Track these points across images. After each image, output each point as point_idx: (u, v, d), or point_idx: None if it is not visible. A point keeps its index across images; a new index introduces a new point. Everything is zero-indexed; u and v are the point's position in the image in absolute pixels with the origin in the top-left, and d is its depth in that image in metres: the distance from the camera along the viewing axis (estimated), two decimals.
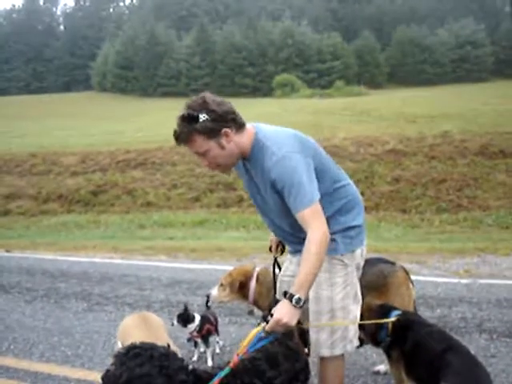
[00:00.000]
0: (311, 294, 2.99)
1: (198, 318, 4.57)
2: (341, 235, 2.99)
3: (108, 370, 2.44)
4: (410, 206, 13.02)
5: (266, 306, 4.14)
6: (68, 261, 9.29)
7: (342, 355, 3.12)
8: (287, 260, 3.42)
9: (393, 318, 3.27)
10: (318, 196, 2.77)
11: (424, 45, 74.81)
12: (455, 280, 6.70)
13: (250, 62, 73.77)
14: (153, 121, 27.78)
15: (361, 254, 3.12)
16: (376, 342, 3.38)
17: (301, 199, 2.73)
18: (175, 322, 4.54)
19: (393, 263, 4.07)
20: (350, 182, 3.15)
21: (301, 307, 2.67)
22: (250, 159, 2.92)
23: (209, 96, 2.79)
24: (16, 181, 18.90)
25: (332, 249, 2.95)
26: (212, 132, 2.75)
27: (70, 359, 5.00)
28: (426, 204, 13.02)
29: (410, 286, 4.05)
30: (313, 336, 3.10)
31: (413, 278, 4.17)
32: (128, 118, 32.92)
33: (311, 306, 3.01)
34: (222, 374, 2.56)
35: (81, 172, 18.63)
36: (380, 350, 4.33)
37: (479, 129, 16.82)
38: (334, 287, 3.00)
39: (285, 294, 2.71)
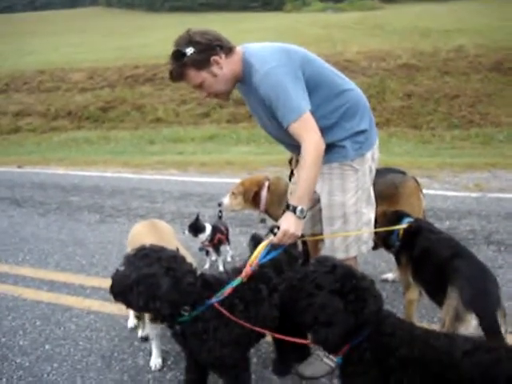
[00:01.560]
0: (324, 201, 3.02)
1: (209, 228, 4.64)
2: (350, 141, 2.95)
3: (117, 270, 2.48)
4: (422, 121, 12.86)
5: (278, 215, 4.19)
6: (79, 175, 9.37)
7: (355, 257, 3.17)
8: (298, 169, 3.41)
9: (404, 225, 3.30)
10: (307, 106, 2.72)
11: None
12: (465, 194, 6.71)
13: None
14: (161, 36, 27.14)
15: (372, 156, 3.09)
16: (387, 246, 3.43)
17: (288, 113, 2.70)
18: (187, 232, 4.61)
19: (404, 173, 4.07)
20: (354, 87, 3.06)
21: (304, 217, 2.71)
22: (244, 81, 2.91)
23: (193, 29, 2.81)
24: (25, 98, 18.77)
25: (342, 156, 2.95)
26: (201, 63, 2.77)
27: (85, 268, 5.14)
28: (437, 120, 12.85)
29: (421, 196, 4.07)
30: (327, 241, 3.13)
31: (423, 191, 4.17)
32: (135, 34, 32.22)
33: (324, 213, 3.02)
34: (235, 283, 2.61)
35: (89, 88, 18.44)
36: (388, 260, 4.43)
37: (494, 44, 16.34)
38: (346, 192, 3.00)
39: (287, 206, 2.73)
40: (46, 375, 3.48)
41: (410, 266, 3.20)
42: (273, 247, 2.74)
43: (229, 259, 5.02)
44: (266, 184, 4.32)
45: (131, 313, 3.89)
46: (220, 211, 4.81)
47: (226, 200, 4.56)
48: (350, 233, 3.06)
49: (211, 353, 2.59)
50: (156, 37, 27.36)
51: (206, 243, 4.65)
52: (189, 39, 2.76)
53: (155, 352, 3.52)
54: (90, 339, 3.88)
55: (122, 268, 2.46)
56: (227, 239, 4.88)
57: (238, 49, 2.89)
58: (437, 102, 13.50)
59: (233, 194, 4.51)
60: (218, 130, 13.68)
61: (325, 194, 3.01)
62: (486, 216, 5.83)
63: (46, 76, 20.10)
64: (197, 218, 4.63)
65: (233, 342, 2.61)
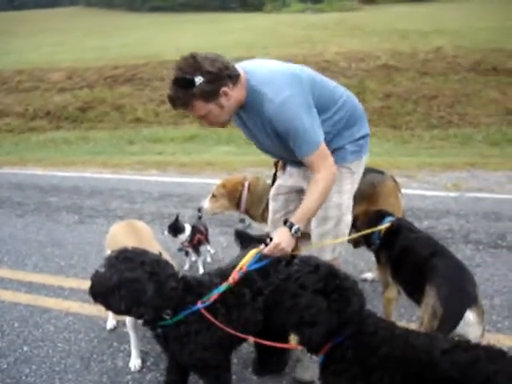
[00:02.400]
0: None
1: (188, 229, 4.63)
2: (350, 144, 3.00)
3: (97, 271, 2.44)
4: (401, 121, 12.93)
5: (258, 215, 4.21)
6: (58, 176, 9.27)
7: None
8: (287, 173, 3.42)
9: (386, 224, 3.32)
10: (322, 136, 2.74)
11: None
12: (443, 193, 6.77)
13: None
14: (140, 36, 27.09)
15: (365, 161, 3.17)
16: (368, 244, 3.46)
17: (306, 146, 2.70)
18: (166, 232, 4.59)
19: (382, 173, 4.09)
20: (347, 93, 3.09)
21: (297, 237, 2.75)
22: (245, 108, 2.81)
23: (199, 54, 2.61)
24: (3, 98, 18.54)
25: (341, 158, 2.98)
26: (210, 94, 2.62)
27: (64, 269, 5.09)
28: (416, 120, 12.93)
29: (399, 195, 4.10)
30: (315, 242, 3.18)
31: (401, 191, 4.21)
32: (115, 34, 31.99)
33: (319, 212, 2.97)
34: (221, 289, 2.61)
35: (68, 88, 18.26)
36: (367, 259, 4.46)
37: (473, 45, 16.49)
38: (342, 194, 3.05)
39: (285, 222, 2.76)
40: (24, 377, 3.45)
41: (389, 265, 3.23)
42: (262, 256, 2.75)
43: (209, 260, 5.01)
44: (246, 184, 4.32)
45: (110, 314, 3.86)
46: (199, 212, 4.79)
47: (206, 204, 4.51)
48: (336, 240, 3.12)
49: (193, 355, 2.59)
50: (136, 37, 27.27)
51: (186, 244, 4.63)
52: (197, 66, 2.56)
53: (134, 353, 3.51)
54: (68, 341, 3.85)
55: (102, 269, 2.42)
56: (207, 239, 4.87)
57: (241, 73, 2.75)
58: (416, 102, 13.58)
59: (213, 196, 4.45)
60: (197, 131, 13.62)
61: None
62: (464, 215, 5.89)
63: (25, 76, 19.87)
64: (176, 219, 4.61)
65: (215, 345, 2.61)
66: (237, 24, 29.38)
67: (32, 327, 4.06)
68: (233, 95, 2.69)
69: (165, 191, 7.59)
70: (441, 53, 16.12)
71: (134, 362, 3.49)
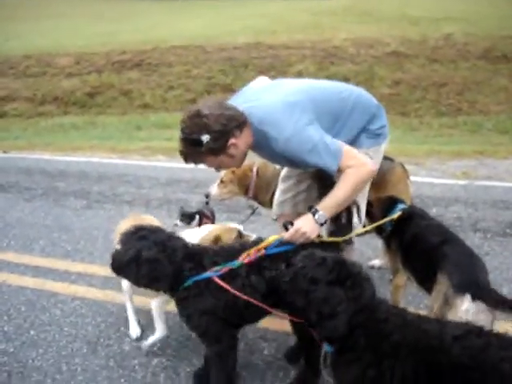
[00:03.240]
0: None
1: (197, 217, 4.56)
2: (366, 135, 3.00)
3: (116, 250, 2.58)
4: (410, 109, 12.84)
5: (267, 201, 4.18)
6: (66, 161, 9.27)
7: None
8: None
9: (399, 212, 3.29)
10: (338, 143, 2.71)
11: None
12: (452, 181, 6.72)
13: None
14: (148, 21, 26.95)
15: (383, 148, 3.16)
16: (379, 231, 3.43)
17: (331, 160, 2.67)
18: (178, 222, 4.53)
19: (391, 160, 4.05)
20: (357, 93, 3.06)
21: (321, 225, 2.72)
22: (256, 146, 2.86)
23: (203, 110, 2.64)
24: (11, 83, 18.52)
25: (358, 144, 2.98)
26: (219, 149, 2.70)
27: (71, 254, 5.10)
28: (425, 107, 12.84)
29: (408, 183, 4.06)
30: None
31: (410, 178, 4.17)
32: (122, 19, 31.81)
33: None
34: (235, 264, 2.61)
35: (76, 73, 18.22)
36: (374, 247, 4.44)
37: (483, 32, 16.32)
38: None
39: (310, 207, 2.74)
40: (31, 361, 3.47)
41: (400, 252, 3.20)
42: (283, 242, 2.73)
43: None
44: (255, 170, 4.29)
45: (134, 322, 3.77)
46: (207, 198, 4.76)
47: (215, 189, 4.46)
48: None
49: (190, 320, 2.71)
50: (144, 22, 27.13)
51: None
52: (203, 126, 2.61)
53: (132, 322, 3.67)
54: (75, 325, 3.86)
55: (120, 246, 2.57)
56: (213, 223, 4.84)
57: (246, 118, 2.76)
58: (425, 89, 13.48)
59: (222, 182, 4.40)
60: None
61: None
62: (472, 204, 5.85)
63: (33, 61, 19.83)
64: (182, 208, 4.56)
65: (209, 312, 2.65)
66: (245, 10, 29.14)
67: (39, 311, 4.08)
68: (241, 143, 2.74)
69: (172, 177, 7.57)
70: (451, 40, 15.98)
71: (134, 331, 3.63)
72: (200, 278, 2.59)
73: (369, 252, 4.67)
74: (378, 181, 3.87)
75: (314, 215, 2.68)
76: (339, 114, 2.90)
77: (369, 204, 3.36)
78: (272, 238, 2.71)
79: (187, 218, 4.53)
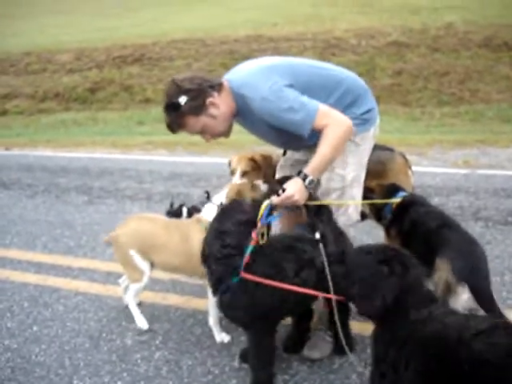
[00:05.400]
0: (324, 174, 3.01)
1: (184, 211, 4.46)
2: (353, 120, 2.96)
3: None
4: (412, 99, 12.79)
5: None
6: (67, 157, 9.29)
7: None
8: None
9: (398, 198, 3.31)
10: (314, 102, 2.75)
11: None
12: (454, 170, 6.71)
13: None
14: (148, 16, 26.88)
15: (373, 133, 3.13)
16: (379, 218, 3.44)
17: (305, 117, 2.72)
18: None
19: (392, 150, 4.04)
20: (345, 75, 3.08)
21: (311, 188, 2.77)
22: (239, 113, 2.96)
23: (177, 77, 2.89)
24: (12, 80, 18.52)
25: None
26: (198, 108, 2.83)
27: (73, 250, 5.11)
28: (427, 97, 12.79)
29: (409, 172, 4.04)
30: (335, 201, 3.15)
31: (412, 168, 4.16)
32: (122, 14, 31.70)
33: (322, 184, 3.02)
34: (249, 249, 2.65)
35: (77, 69, 18.20)
36: (371, 236, 4.44)
37: (484, 21, 16.23)
38: (346, 166, 3.03)
39: (298, 172, 2.77)
40: (34, 357, 3.47)
41: (399, 239, 3.20)
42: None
43: None
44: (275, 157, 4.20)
45: (136, 312, 3.77)
46: (207, 192, 4.70)
47: (239, 182, 3.98)
48: (354, 202, 3.14)
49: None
50: (144, 17, 27.06)
51: None
52: (179, 89, 2.81)
53: (136, 315, 3.66)
54: (77, 320, 3.87)
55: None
56: None
57: (225, 83, 2.91)
58: (426, 79, 13.42)
59: (245, 173, 4.00)
60: None
61: None
62: (474, 192, 5.84)
63: (33, 58, 19.82)
64: (171, 205, 4.49)
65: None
66: (245, 2, 29.06)
67: (41, 307, 4.08)
68: (220, 103, 2.87)
69: (174, 171, 7.57)
70: (452, 29, 15.89)
71: (143, 322, 3.65)
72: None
73: (369, 241, 4.65)
74: (379, 171, 3.87)
75: (303, 180, 2.73)
76: (320, 90, 2.91)
77: (370, 191, 3.39)
78: (262, 208, 2.73)
79: (173, 215, 4.49)
